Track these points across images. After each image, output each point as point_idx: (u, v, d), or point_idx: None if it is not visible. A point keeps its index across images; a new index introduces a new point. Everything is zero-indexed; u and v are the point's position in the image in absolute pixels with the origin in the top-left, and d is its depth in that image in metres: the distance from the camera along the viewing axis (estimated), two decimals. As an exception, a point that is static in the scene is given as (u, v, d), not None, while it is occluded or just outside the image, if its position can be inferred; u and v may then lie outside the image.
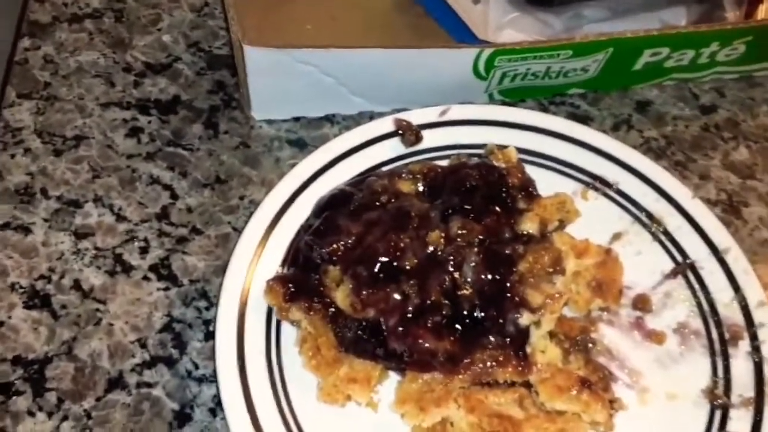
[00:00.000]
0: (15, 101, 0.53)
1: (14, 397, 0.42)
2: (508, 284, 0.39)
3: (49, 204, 0.49)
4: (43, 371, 0.43)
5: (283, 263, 0.44)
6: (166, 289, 0.46)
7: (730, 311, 0.44)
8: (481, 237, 0.41)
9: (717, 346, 0.43)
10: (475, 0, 0.52)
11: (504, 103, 0.55)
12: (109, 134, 0.52)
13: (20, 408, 0.41)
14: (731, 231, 0.49)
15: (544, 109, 0.55)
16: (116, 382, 0.43)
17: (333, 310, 0.41)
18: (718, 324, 0.43)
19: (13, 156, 0.51)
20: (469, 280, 0.39)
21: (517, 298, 0.39)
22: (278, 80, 0.50)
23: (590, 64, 0.51)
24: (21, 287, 0.45)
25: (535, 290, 0.39)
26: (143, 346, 0.44)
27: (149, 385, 0.43)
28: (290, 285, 0.41)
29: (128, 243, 0.48)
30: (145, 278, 0.46)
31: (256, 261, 0.44)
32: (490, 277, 0.39)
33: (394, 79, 0.51)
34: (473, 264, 0.40)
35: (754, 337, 0.42)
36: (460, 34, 0.54)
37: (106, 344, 0.44)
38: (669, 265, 0.46)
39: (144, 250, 0.47)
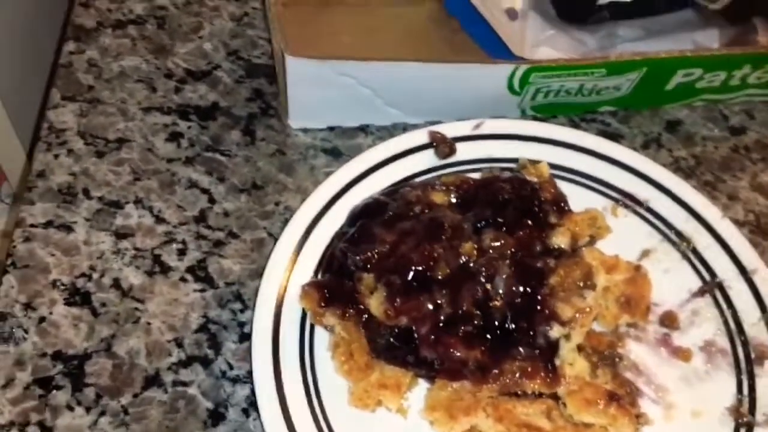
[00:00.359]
0: (59, 103, 0.55)
1: (54, 391, 0.43)
2: (539, 297, 0.40)
3: (90, 204, 0.50)
4: (82, 367, 0.44)
5: (318, 269, 0.45)
6: (203, 290, 0.47)
7: (756, 331, 0.44)
8: (513, 250, 0.41)
9: (743, 365, 0.43)
10: (512, 16, 0.53)
11: (535, 119, 0.55)
12: (150, 138, 0.53)
13: (60, 402, 0.42)
14: (759, 251, 0.50)
15: (575, 126, 0.56)
16: (153, 380, 0.43)
17: (366, 316, 0.41)
18: (745, 343, 0.44)
19: (56, 156, 0.52)
20: (500, 291, 0.40)
21: (547, 311, 0.40)
22: (316, 90, 0.51)
23: (623, 82, 0.52)
24: (62, 284, 0.46)
25: (566, 304, 0.40)
26: (179, 345, 0.45)
27: (185, 384, 0.44)
28: (325, 290, 0.42)
29: (167, 244, 0.49)
30: (183, 279, 0.47)
31: (291, 267, 0.45)
32: (521, 289, 0.40)
33: (429, 92, 0.51)
34: (505, 276, 0.40)
35: None
36: (494, 48, 0.54)
37: (143, 342, 0.45)
38: (697, 284, 0.46)
39: (182, 252, 0.48)
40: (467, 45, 0.57)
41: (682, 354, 0.44)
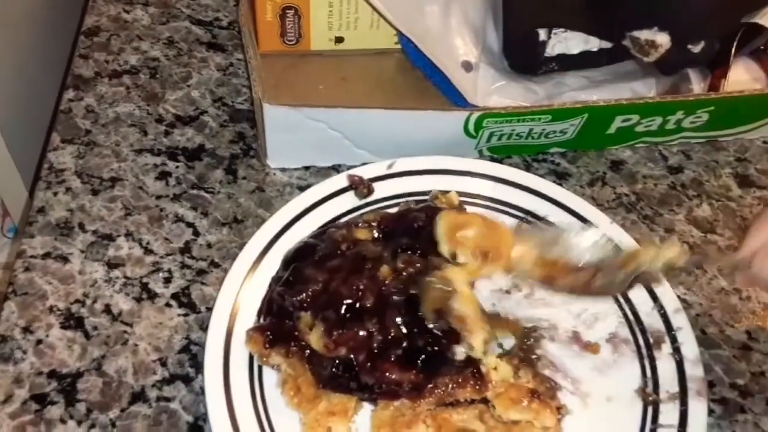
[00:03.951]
0: (59, 145, 0.59)
1: (49, 406, 0.46)
2: (428, 322, 0.43)
3: (85, 237, 0.54)
4: (75, 384, 0.47)
5: (260, 314, 0.48)
6: (186, 315, 0.51)
7: (652, 319, 0.49)
8: (418, 269, 0.44)
9: (644, 350, 0.48)
10: (467, 69, 0.59)
11: (492, 159, 0.61)
12: (141, 177, 0.58)
13: (54, 416, 0.46)
14: (691, 280, 0.55)
15: (528, 166, 0.61)
16: (139, 396, 0.47)
17: (308, 351, 0.44)
18: (643, 331, 0.49)
19: (55, 194, 0.57)
20: (408, 317, 0.43)
21: (446, 329, 0.43)
22: (292, 133, 0.56)
23: (568, 127, 0.58)
24: (58, 309, 0.51)
25: (450, 318, 0.43)
26: (164, 364, 0.49)
27: (168, 399, 0.47)
28: (268, 333, 0.45)
29: (154, 273, 0.53)
30: (168, 305, 0.52)
31: (235, 314, 0.47)
32: (413, 317, 0.43)
33: (394, 135, 0.56)
34: (403, 303, 0.44)
35: (674, 340, 0.48)
36: (453, 96, 0.60)
37: (131, 362, 0.49)
38: None
39: (167, 280, 0.53)
40: (431, 91, 0.62)
41: (591, 348, 0.49)
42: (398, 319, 0.43)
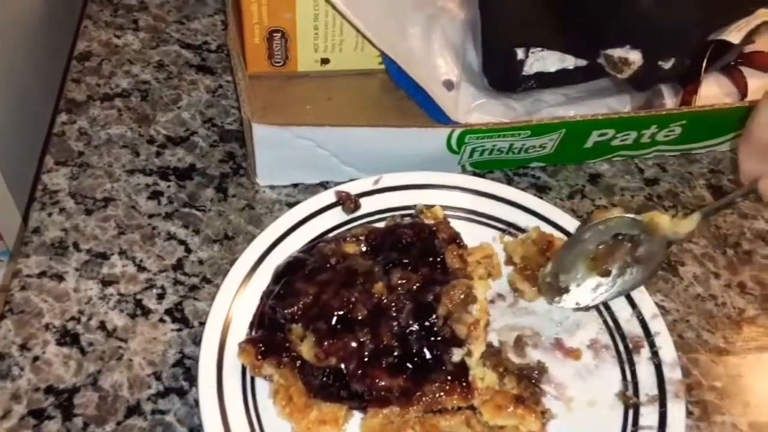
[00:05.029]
0: (53, 167, 0.61)
1: (46, 421, 0.47)
2: (436, 326, 0.45)
3: (80, 256, 0.55)
4: (71, 399, 0.48)
5: (252, 326, 0.49)
6: (179, 330, 0.52)
7: (631, 325, 0.51)
8: (417, 285, 0.46)
9: (624, 355, 0.50)
10: (449, 87, 0.61)
11: (475, 174, 0.63)
12: (134, 197, 0.59)
13: (51, 431, 0.47)
14: (669, 286, 0.57)
15: (510, 180, 0.63)
16: (134, 409, 0.48)
17: (300, 362, 0.45)
18: (623, 337, 0.51)
19: (50, 214, 0.58)
20: (410, 324, 0.45)
21: (447, 336, 0.45)
22: (280, 152, 0.57)
23: (547, 142, 0.60)
24: (54, 327, 0.51)
25: (458, 323, 0.45)
26: (158, 378, 0.50)
27: (162, 412, 0.48)
28: (260, 345, 0.46)
29: (147, 290, 0.54)
30: (161, 320, 0.53)
31: (227, 327, 0.49)
32: (418, 324, 0.45)
33: (379, 152, 0.58)
34: (407, 311, 0.45)
35: (652, 345, 0.50)
36: (436, 114, 0.61)
37: (126, 376, 0.50)
38: None
39: (161, 296, 0.54)
40: (414, 110, 0.63)
41: (573, 354, 0.51)
42: (395, 327, 0.45)
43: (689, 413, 0.50)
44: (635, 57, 0.58)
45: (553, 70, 0.62)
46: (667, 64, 0.59)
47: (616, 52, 0.59)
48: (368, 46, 0.64)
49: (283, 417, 0.46)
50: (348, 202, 0.55)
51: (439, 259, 0.49)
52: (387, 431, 0.44)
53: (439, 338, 0.45)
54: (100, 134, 0.64)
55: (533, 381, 0.48)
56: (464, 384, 0.44)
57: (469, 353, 0.45)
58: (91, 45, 0.71)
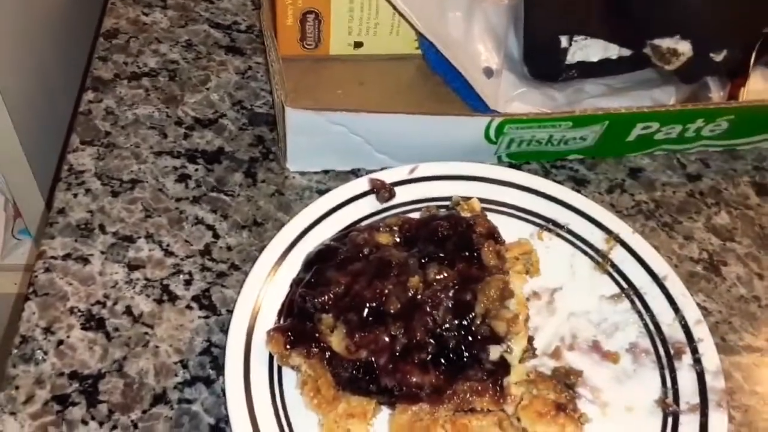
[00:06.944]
0: (79, 147, 0.60)
1: (70, 407, 0.47)
2: (474, 324, 0.44)
3: (106, 239, 0.55)
4: (96, 385, 0.48)
5: (280, 315, 0.48)
6: (207, 317, 0.51)
7: (673, 330, 0.49)
8: (454, 281, 0.45)
9: (664, 361, 0.48)
10: (489, 75, 0.59)
11: (511, 165, 0.61)
12: (161, 179, 0.59)
13: (75, 417, 0.46)
14: (711, 287, 0.55)
15: (547, 172, 0.61)
16: (160, 398, 0.47)
17: (329, 353, 0.44)
18: (664, 342, 0.49)
19: (75, 195, 0.57)
20: (446, 321, 0.44)
21: (485, 333, 0.43)
22: (312, 137, 0.56)
23: (588, 134, 0.58)
24: (79, 311, 0.51)
25: (497, 320, 0.43)
26: (185, 366, 0.49)
27: (189, 401, 0.48)
28: (289, 334, 0.44)
29: (174, 275, 0.53)
30: (188, 307, 0.52)
31: (255, 315, 0.47)
32: (456, 321, 0.44)
33: (414, 140, 0.57)
34: (444, 308, 0.44)
35: (694, 351, 0.48)
36: (474, 101, 0.60)
37: (152, 364, 0.49)
38: (617, 292, 0.51)
39: (188, 282, 0.53)
40: (450, 97, 0.62)
41: (611, 357, 0.49)
42: (429, 323, 0.43)
43: (731, 418, 0.48)
44: (685, 48, 0.56)
45: (595, 59, 0.60)
46: (719, 57, 0.57)
47: (665, 42, 0.57)
48: (403, 30, 0.63)
49: (311, 408, 0.44)
50: (383, 190, 0.54)
51: (475, 254, 0.47)
52: (416, 428, 0.43)
53: (477, 337, 0.43)
54: (127, 114, 0.62)
55: (569, 385, 0.46)
56: (498, 387, 0.43)
57: (508, 350, 0.43)
58: (119, 22, 0.69)
